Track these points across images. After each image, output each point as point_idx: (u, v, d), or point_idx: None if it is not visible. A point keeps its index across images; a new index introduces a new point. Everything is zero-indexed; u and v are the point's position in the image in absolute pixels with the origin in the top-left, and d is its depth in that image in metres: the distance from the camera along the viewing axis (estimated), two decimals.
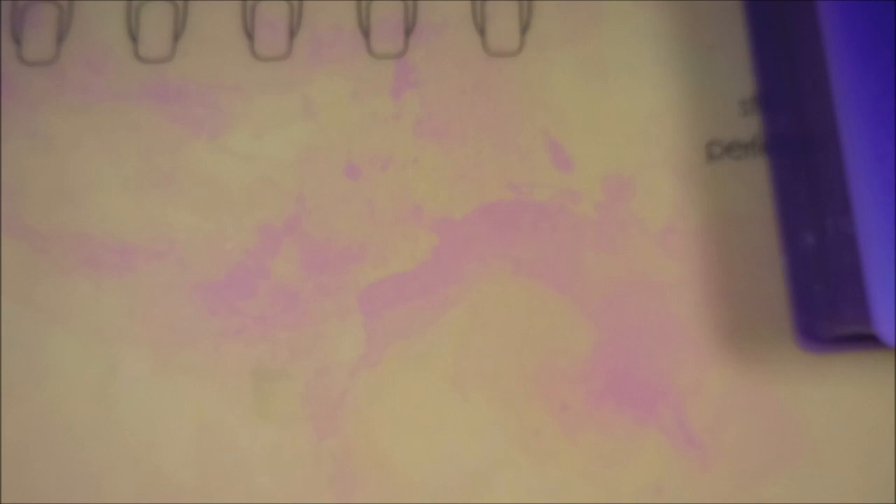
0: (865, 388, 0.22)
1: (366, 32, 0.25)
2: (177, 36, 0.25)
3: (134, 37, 0.25)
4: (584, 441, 0.22)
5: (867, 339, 0.20)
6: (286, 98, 0.24)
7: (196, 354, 0.23)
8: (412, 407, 0.22)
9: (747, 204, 0.23)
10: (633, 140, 0.24)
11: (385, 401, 0.22)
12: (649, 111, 0.24)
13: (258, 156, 0.24)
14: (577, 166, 0.24)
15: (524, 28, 0.25)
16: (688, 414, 0.22)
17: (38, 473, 0.22)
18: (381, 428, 0.22)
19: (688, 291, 0.23)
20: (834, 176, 0.20)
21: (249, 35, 0.25)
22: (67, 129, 0.24)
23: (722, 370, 0.22)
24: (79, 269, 0.23)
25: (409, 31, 0.25)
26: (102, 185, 0.24)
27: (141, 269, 0.23)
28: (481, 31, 0.25)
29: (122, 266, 0.23)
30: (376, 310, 0.23)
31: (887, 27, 0.20)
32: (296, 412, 0.22)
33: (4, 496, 0.22)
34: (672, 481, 0.22)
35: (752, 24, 0.24)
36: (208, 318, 0.23)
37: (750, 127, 0.24)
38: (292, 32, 0.25)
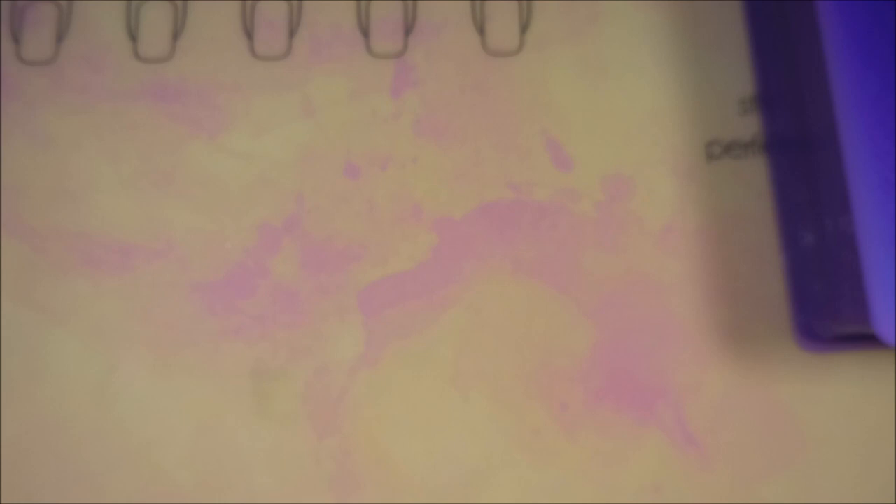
0: (865, 388, 0.22)
1: (365, 32, 0.25)
2: (176, 35, 0.25)
3: (133, 36, 0.25)
4: (583, 440, 0.22)
5: (867, 339, 0.20)
6: (285, 97, 0.24)
7: (196, 354, 0.23)
8: (412, 406, 0.22)
9: (747, 203, 0.23)
10: (633, 140, 0.24)
11: (384, 400, 0.22)
12: (649, 111, 0.24)
13: (257, 155, 0.24)
14: (577, 166, 0.24)
15: (524, 28, 0.25)
16: (687, 413, 0.22)
17: (38, 473, 0.22)
18: (381, 427, 0.22)
19: (687, 291, 0.23)
20: (833, 175, 0.20)
21: (249, 34, 0.25)
22: (67, 128, 0.24)
23: (722, 370, 0.22)
24: (79, 269, 0.23)
25: (408, 30, 0.25)
26: (102, 184, 0.24)
27: (140, 268, 0.23)
28: (481, 30, 0.25)
29: (122, 266, 0.23)
30: (376, 309, 0.23)
31: (887, 27, 0.20)
32: (295, 412, 0.22)
33: (4, 496, 0.22)
34: (671, 481, 0.22)
35: (752, 24, 0.24)
36: (208, 318, 0.23)
37: (749, 126, 0.24)
38: (292, 32, 0.25)
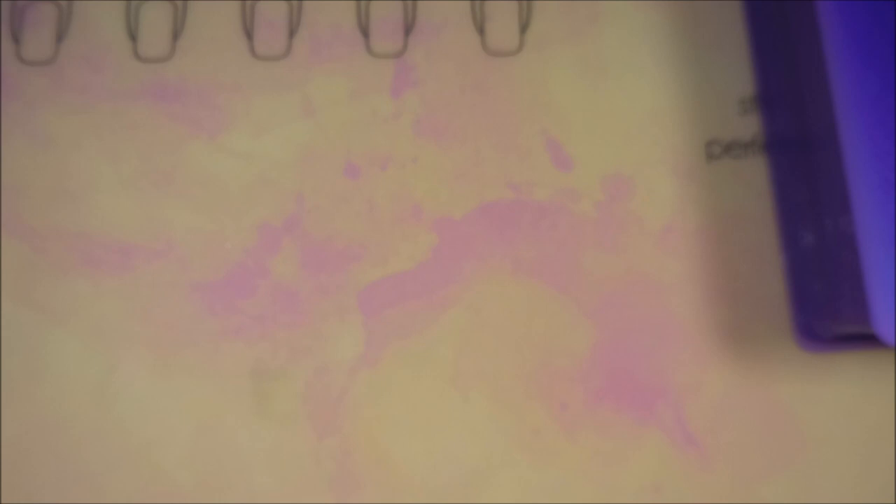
0: (865, 388, 0.22)
1: (365, 32, 0.25)
2: (176, 35, 0.25)
3: (133, 36, 0.25)
4: (583, 440, 0.22)
5: (867, 339, 0.20)
6: (285, 97, 0.24)
7: (196, 354, 0.23)
8: (412, 407, 0.22)
9: (747, 203, 0.23)
10: (633, 140, 0.24)
11: (384, 400, 0.22)
12: (649, 111, 0.24)
13: (257, 155, 0.24)
14: (577, 166, 0.24)
15: (523, 27, 0.25)
16: (687, 413, 0.22)
17: (38, 473, 0.22)
18: (381, 427, 0.22)
19: (687, 291, 0.23)
20: (833, 175, 0.20)
21: (249, 34, 0.25)
22: (67, 128, 0.24)
23: (722, 370, 0.22)
24: (79, 269, 0.23)
25: (408, 30, 0.25)
26: (102, 184, 0.24)
27: (141, 268, 0.23)
28: (481, 30, 0.25)
29: (122, 266, 0.23)
30: (376, 309, 0.23)
31: (887, 27, 0.20)
32: (295, 412, 0.22)
33: (4, 496, 0.22)
34: (671, 481, 0.22)
35: (752, 24, 0.24)
36: (208, 318, 0.23)
37: (749, 126, 0.24)
38: (292, 32, 0.25)
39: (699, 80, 0.24)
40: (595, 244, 0.23)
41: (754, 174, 0.24)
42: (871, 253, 0.19)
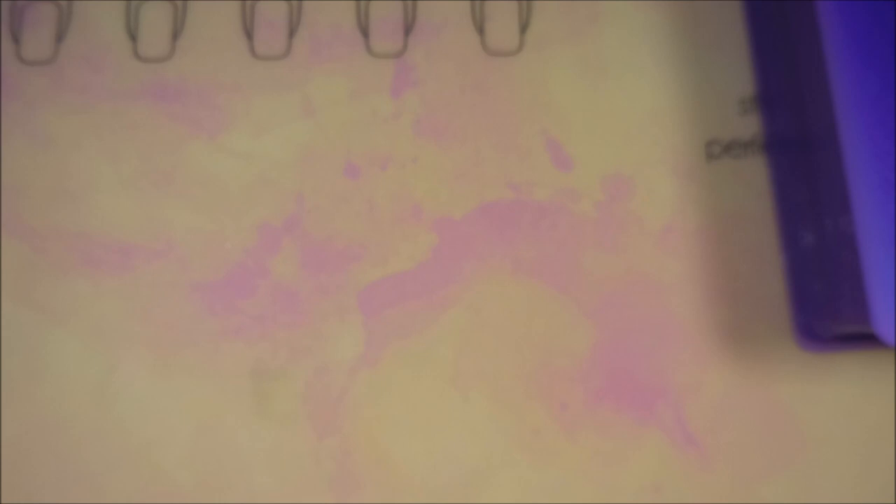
0: (865, 388, 0.22)
1: (365, 32, 0.25)
2: (176, 35, 0.25)
3: (133, 36, 0.25)
4: (583, 440, 0.22)
5: (867, 339, 0.20)
6: (285, 97, 0.24)
7: (196, 354, 0.23)
8: (412, 406, 0.22)
9: (747, 203, 0.23)
10: (633, 140, 0.24)
11: (384, 400, 0.22)
12: (649, 111, 0.24)
13: (257, 155, 0.24)
14: (577, 166, 0.24)
15: (523, 27, 0.25)
16: (687, 413, 0.22)
17: (38, 473, 0.22)
18: (381, 427, 0.22)
19: (687, 291, 0.23)
20: (833, 175, 0.20)
21: (249, 34, 0.25)
22: (67, 128, 0.24)
23: (722, 370, 0.22)
24: (79, 269, 0.23)
25: (408, 30, 0.25)
26: (102, 184, 0.24)
27: (140, 268, 0.23)
28: (480, 30, 0.25)
29: (122, 266, 0.23)
30: (376, 309, 0.23)
31: (887, 27, 0.20)
32: (295, 412, 0.22)
33: (4, 496, 0.22)
34: (671, 481, 0.22)
35: (752, 24, 0.24)
36: (208, 318, 0.23)
37: (749, 126, 0.24)
38: (292, 32, 0.25)
39: (699, 80, 0.24)
40: (595, 244, 0.23)
41: (754, 174, 0.24)
42: (871, 253, 0.19)
